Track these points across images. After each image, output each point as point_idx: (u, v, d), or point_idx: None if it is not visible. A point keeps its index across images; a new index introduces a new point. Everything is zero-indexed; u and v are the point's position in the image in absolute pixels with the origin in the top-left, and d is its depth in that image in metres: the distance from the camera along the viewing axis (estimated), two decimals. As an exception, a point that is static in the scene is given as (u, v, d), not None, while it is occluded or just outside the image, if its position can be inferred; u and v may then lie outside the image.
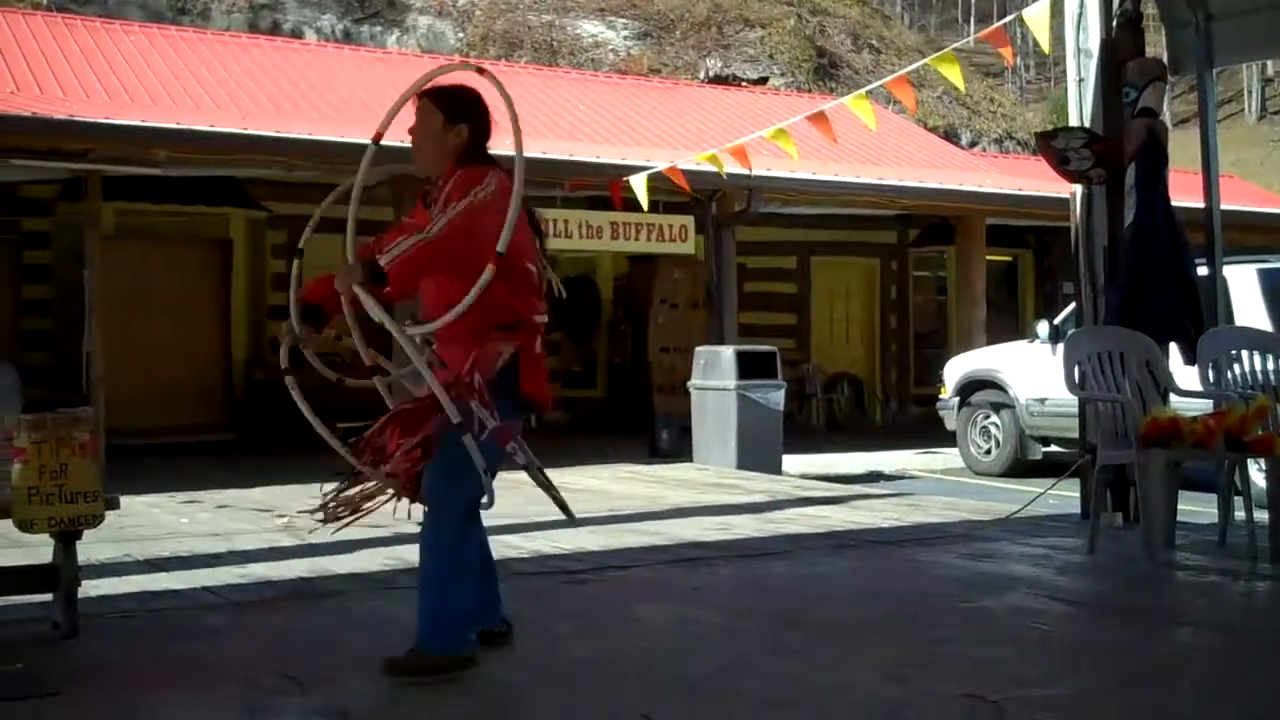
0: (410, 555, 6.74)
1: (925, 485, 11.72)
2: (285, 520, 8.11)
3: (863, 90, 8.76)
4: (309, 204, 16.84)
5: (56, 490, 4.63)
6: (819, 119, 8.63)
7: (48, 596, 4.89)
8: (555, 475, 4.41)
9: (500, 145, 4.20)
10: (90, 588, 5.31)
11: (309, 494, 9.80)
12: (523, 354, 4.19)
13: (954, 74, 8.00)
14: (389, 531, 7.66)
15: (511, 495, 9.20)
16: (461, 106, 4.27)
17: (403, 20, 31.09)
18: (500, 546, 7.08)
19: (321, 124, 12.91)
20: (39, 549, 5.22)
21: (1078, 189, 8.02)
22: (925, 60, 8.57)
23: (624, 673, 4.48)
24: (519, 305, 4.17)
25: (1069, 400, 8.50)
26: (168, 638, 4.94)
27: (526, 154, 3.92)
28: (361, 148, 4.33)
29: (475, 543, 4.36)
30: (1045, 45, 7.70)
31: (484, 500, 4.10)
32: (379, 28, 30.63)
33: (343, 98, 15.47)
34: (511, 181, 4.00)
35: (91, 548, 5.71)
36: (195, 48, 16.42)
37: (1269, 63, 46.13)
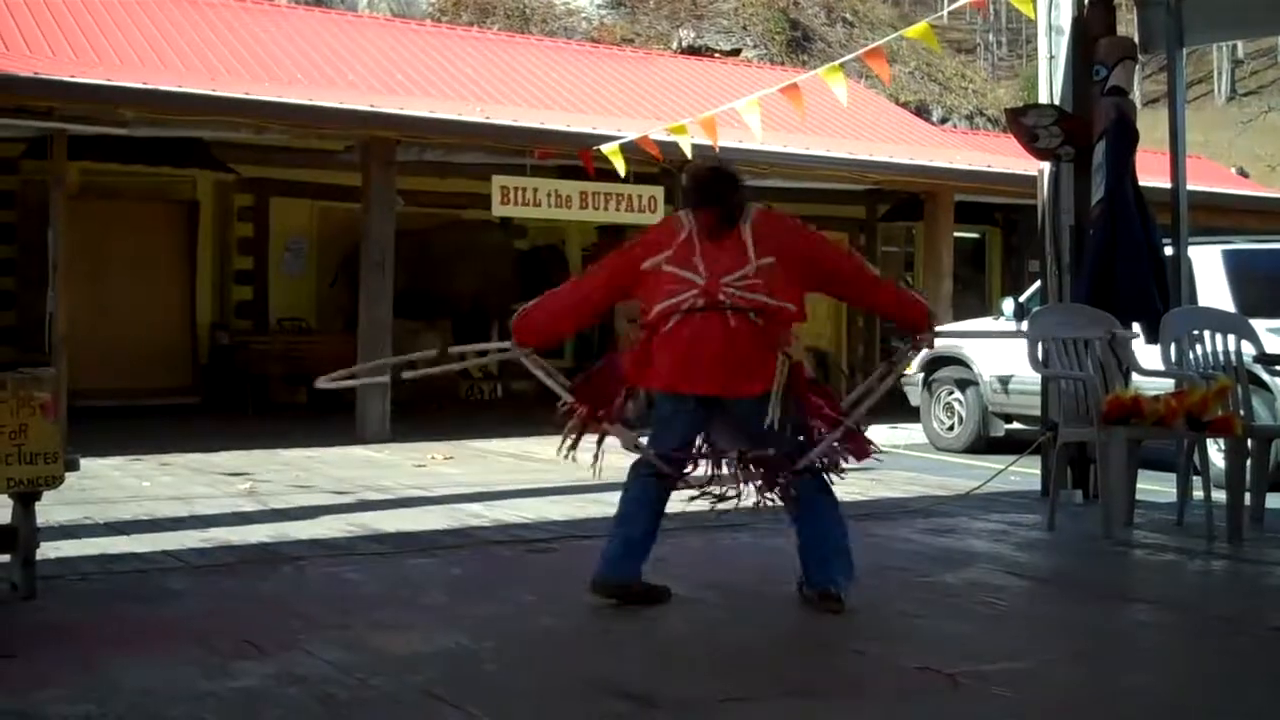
0: (371, 522, 6.77)
1: (888, 460, 11.61)
2: (248, 485, 8.09)
3: (837, 62, 8.72)
4: (277, 167, 16.52)
5: (15, 451, 4.60)
6: (791, 90, 8.59)
7: (5, 558, 4.85)
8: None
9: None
10: (49, 549, 5.28)
11: (273, 459, 9.83)
12: None
13: (930, 41, 8.00)
14: (352, 499, 7.71)
15: (473, 464, 9.24)
16: None
17: (374, -17, 30.85)
18: (462, 515, 7.12)
19: (291, 86, 12.78)
20: (-3, 509, 5.19)
21: (1046, 167, 8.04)
22: (900, 33, 8.57)
23: (587, 641, 4.50)
24: None
25: (1032, 378, 8.56)
26: (127, 600, 4.93)
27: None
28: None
29: None
30: (1031, 12, 7.68)
31: None
32: (350, -10, 30.38)
33: (313, 60, 15.32)
34: None
35: (51, 509, 5.67)
36: (164, 6, 16.22)
37: (1239, 44, 46.32)
